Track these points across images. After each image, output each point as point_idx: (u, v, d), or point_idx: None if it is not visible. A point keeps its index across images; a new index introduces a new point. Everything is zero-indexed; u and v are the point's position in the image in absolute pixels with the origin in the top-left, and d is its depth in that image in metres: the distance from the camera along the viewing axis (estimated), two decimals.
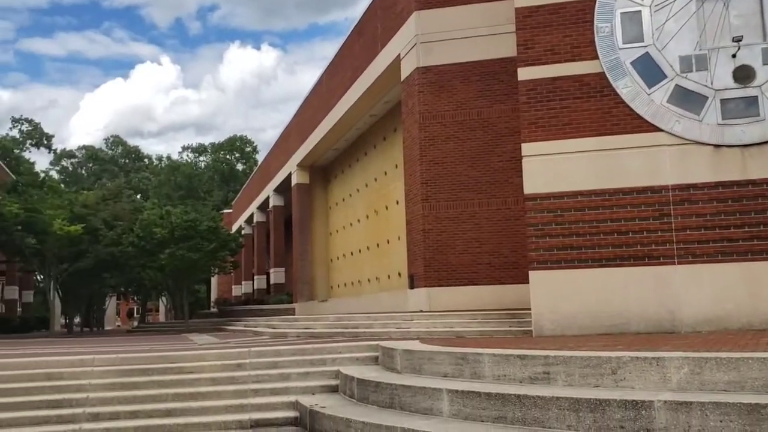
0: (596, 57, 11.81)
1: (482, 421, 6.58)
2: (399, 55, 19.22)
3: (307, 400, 8.87)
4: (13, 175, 40.22)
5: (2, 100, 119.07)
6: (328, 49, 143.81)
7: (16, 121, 72.17)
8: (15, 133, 71.25)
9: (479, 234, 17.10)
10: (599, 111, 11.66)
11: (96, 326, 46.24)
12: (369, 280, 26.53)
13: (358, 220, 27.90)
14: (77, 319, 39.50)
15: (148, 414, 8.96)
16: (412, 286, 17.89)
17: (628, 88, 11.57)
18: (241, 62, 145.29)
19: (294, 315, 27.78)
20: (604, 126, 11.61)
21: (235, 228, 50.51)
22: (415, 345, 9.76)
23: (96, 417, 8.86)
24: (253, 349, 11.04)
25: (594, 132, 11.64)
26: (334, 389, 9.70)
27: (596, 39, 11.86)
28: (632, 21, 11.79)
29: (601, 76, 11.75)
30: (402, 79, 19.15)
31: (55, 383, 9.68)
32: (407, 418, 6.99)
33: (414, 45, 18.19)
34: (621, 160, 11.45)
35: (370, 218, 26.47)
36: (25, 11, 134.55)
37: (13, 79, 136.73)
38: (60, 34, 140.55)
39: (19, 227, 26.67)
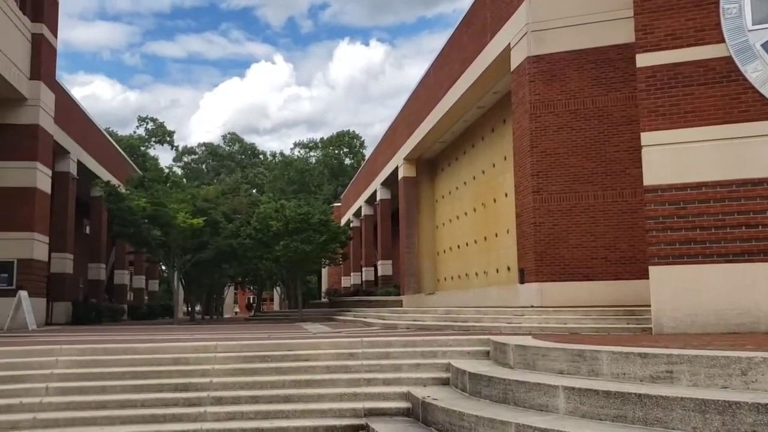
0: (722, 40, 11.13)
1: (600, 420, 6.40)
2: (509, 44, 18.92)
3: (419, 392, 8.95)
4: (140, 171, 42.95)
5: (130, 100, 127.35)
6: (436, 42, 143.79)
7: (142, 120, 77.38)
8: (141, 131, 76.28)
9: (594, 227, 16.59)
10: (725, 97, 10.99)
11: (215, 314, 48.70)
12: (477, 274, 26.35)
13: (465, 213, 27.76)
14: (198, 307, 41.68)
15: (267, 399, 9.34)
16: (522, 281, 17.62)
17: (758, 72, 10.83)
18: (350, 58, 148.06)
19: (402, 307, 28.06)
20: (730, 113, 10.94)
21: (344, 221, 51.63)
22: (528, 341, 9.62)
23: (219, 401, 9.32)
24: (365, 339, 11.25)
25: (719, 120, 10.98)
26: (444, 382, 9.72)
27: (722, 21, 11.17)
28: (763, 0, 11.01)
29: (728, 60, 11.06)
30: (512, 69, 18.86)
31: (182, 368, 10.26)
32: (522, 414, 6.91)
33: (525, 34, 17.85)
34: (750, 148, 10.75)
35: (478, 211, 26.26)
36: (150, 16, 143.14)
37: (139, 81, 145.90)
38: (181, 37, 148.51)
39: (146, 220, 28.43)
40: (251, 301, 59.45)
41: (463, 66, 23.18)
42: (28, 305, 20.77)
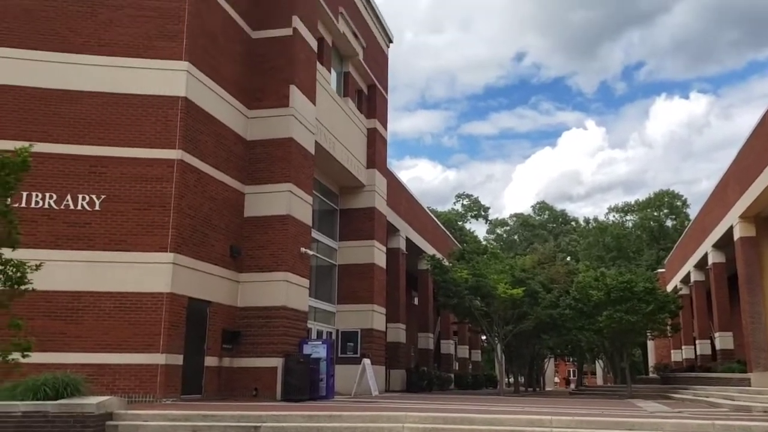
0: None
1: None
2: None
3: None
4: (459, 245, 45.25)
5: (449, 179, 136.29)
6: None
7: (458, 196, 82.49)
8: (458, 207, 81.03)
9: None
10: None
11: (536, 386, 48.12)
12: None
13: None
14: (521, 378, 41.62)
15: None
16: None
17: None
18: (668, 114, 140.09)
19: (750, 386, 24.64)
20: None
21: (669, 288, 47.79)
22: None
23: None
24: (717, 422, 10.08)
25: None
26: None
27: None
28: None
29: None
30: None
31: None
32: None
33: None
34: None
35: None
36: (464, 100, 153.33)
37: (456, 160, 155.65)
38: (493, 115, 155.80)
39: (468, 291, 29.62)
40: (572, 374, 57.66)
41: None
42: (371, 372, 22.85)
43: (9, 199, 9.22)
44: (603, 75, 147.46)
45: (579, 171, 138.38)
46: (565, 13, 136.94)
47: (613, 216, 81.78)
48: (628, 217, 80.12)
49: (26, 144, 9.79)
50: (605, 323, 28.62)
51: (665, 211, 75.94)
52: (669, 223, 75.06)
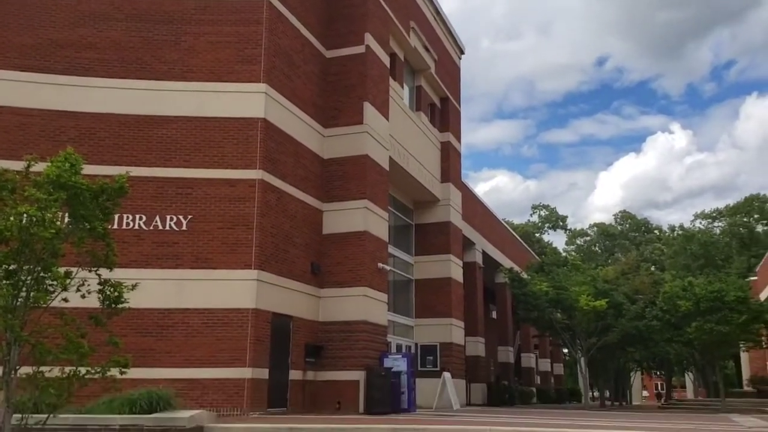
0: None
1: None
2: None
3: None
4: (537, 257, 44.48)
5: (529, 189, 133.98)
6: None
7: (534, 207, 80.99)
8: (535, 218, 79.66)
9: None
10: None
11: (622, 401, 46.55)
12: None
13: None
14: (607, 393, 40.41)
15: None
16: None
17: None
18: (761, 114, 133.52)
19: None
20: None
21: (763, 296, 45.38)
22: None
23: None
24: None
25: None
26: None
27: None
28: None
29: None
30: None
31: None
32: None
33: None
34: None
35: None
36: (543, 108, 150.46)
37: (536, 170, 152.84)
38: (573, 122, 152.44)
39: (549, 304, 29.07)
40: (659, 388, 55.58)
41: None
42: (452, 386, 22.67)
43: (107, 223, 9.68)
44: (690, 77, 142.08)
45: (666, 177, 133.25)
46: (648, 14, 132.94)
47: (700, 223, 78.47)
48: (715, 224, 76.68)
49: (122, 170, 10.30)
50: (695, 335, 27.59)
51: (756, 216, 72.28)
52: (760, 228, 71.40)
